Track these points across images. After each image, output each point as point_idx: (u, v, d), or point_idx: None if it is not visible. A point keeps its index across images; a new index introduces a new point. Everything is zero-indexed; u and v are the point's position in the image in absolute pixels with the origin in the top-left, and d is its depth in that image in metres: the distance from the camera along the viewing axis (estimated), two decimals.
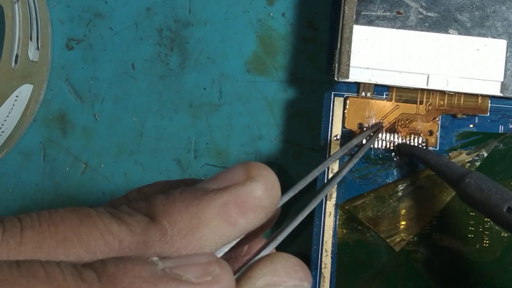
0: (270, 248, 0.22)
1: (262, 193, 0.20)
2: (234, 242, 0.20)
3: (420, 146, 0.33)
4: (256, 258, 0.21)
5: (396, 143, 0.33)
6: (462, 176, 0.29)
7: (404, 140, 0.33)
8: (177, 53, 0.39)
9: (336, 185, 0.33)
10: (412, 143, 0.33)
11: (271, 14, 0.39)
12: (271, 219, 0.23)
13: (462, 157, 0.33)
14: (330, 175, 0.33)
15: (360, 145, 0.32)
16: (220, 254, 0.20)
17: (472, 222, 0.33)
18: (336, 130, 0.34)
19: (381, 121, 0.33)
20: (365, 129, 0.33)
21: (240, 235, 0.20)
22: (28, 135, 0.40)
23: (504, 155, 0.33)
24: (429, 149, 0.33)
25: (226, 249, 0.20)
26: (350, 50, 0.33)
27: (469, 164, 0.33)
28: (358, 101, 0.34)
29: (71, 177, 0.40)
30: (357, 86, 0.34)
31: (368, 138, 0.32)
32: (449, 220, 0.33)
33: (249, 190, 0.20)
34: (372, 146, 0.33)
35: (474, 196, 0.28)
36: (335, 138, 0.33)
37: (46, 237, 0.18)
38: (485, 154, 0.33)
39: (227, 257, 0.22)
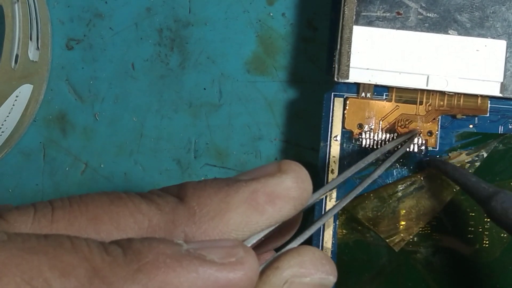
0: (298, 242, 0.22)
1: (292, 184, 0.20)
2: (262, 234, 0.21)
3: (447, 161, 0.33)
4: (283, 250, 0.21)
5: (428, 158, 0.33)
6: (488, 198, 0.29)
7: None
8: (177, 53, 0.39)
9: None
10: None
11: (271, 14, 0.38)
12: (293, 225, 0.23)
13: (462, 158, 0.33)
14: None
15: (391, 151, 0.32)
16: (248, 244, 0.20)
17: (472, 222, 0.33)
18: (336, 130, 0.34)
19: (417, 128, 0.33)
20: (398, 135, 0.33)
21: (267, 225, 0.20)
22: (28, 135, 0.40)
23: (503, 156, 0.33)
24: (457, 166, 0.33)
25: (253, 240, 0.21)
26: (350, 51, 0.33)
27: (469, 164, 0.33)
28: (358, 102, 0.34)
29: (71, 177, 0.40)
30: (357, 87, 0.34)
31: (402, 144, 0.33)
32: (449, 220, 0.33)
33: (279, 181, 0.20)
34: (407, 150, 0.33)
35: (500, 219, 0.28)
36: (335, 139, 0.33)
37: (77, 216, 0.19)
38: (485, 155, 0.33)
39: None
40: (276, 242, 0.24)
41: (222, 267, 0.18)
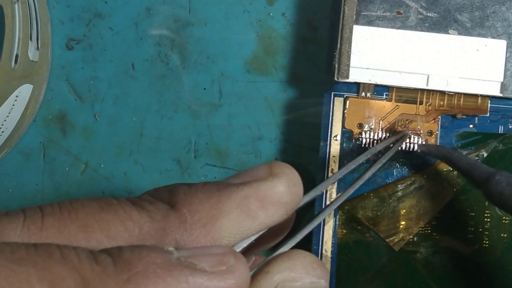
0: (289, 246, 0.22)
1: (284, 189, 0.20)
2: (253, 238, 0.21)
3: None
4: (274, 254, 0.21)
5: (417, 144, 0.33)
6: (492, 174, 0.28)
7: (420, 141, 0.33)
8: (177, 53, 0.39)
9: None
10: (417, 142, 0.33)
11: (271, 14, 0.39)
12: (286, 225, 0.23)
13: None
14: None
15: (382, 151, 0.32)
16: (238, 249, 0.20)
17: (472, 222, 0.33)
18: (336, 130, 0.34)
19: (406, 129, 0.33)
20: (389, 135, 0.33)
21: (259, 230, 0.20)
22: (28, 135, 0.40)
23: (503, 156, 0.33)
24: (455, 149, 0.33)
25: (244, 244, 0.21)
26: (350, 50, 0.33)
27: None
28: (358, 101, 0.34)
29: (71, 177, 0.40)
30: (357, 86, 0.34)
31: (392, 144, 0.32)
32: (449, 220, 0.33)
33: (271, 186, 0.20)
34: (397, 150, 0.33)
35: (504, 193, 0.28)
36: (335, 138, 0.33)
37: (67, 223, 0.18)
38: (485, 155, 0.33)
39: None
40: (268, 244, 0.24)
41: (213, 276, 0.18)
